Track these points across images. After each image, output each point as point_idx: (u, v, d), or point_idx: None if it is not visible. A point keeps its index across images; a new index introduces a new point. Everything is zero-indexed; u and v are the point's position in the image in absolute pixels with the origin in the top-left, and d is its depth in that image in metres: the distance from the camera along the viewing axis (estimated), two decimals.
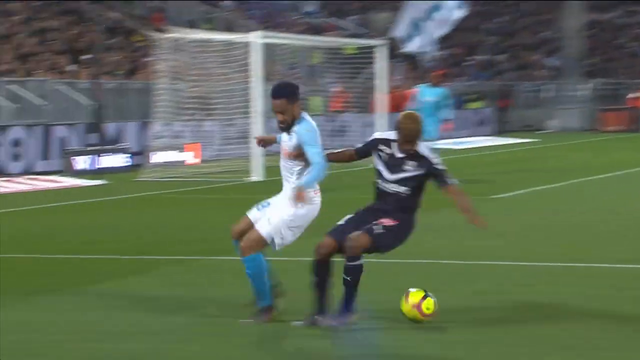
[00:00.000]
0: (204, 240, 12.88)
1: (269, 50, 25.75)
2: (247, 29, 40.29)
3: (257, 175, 21.76)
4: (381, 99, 28.85)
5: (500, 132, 42.12)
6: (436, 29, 34.25)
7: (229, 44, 24.43)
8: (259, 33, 22.99)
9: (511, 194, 18.54)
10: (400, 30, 34.96)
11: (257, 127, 22.32)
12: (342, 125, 33.39)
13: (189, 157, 25.88)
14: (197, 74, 25.75)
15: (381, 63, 27.40)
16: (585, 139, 38.05)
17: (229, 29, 37.13)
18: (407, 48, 33.66)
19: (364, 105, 33.05)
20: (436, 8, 34.76)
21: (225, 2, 44.55)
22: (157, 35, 24.12)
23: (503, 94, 45.33)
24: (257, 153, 21.81)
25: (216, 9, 42.76)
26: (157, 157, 24.36)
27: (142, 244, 12.88)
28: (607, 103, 44.44)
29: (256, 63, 22.35)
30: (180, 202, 18.72)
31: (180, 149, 25.46)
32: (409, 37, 34.64)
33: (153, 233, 14.02)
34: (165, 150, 24.64)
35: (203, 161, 25.94)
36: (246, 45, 25.07)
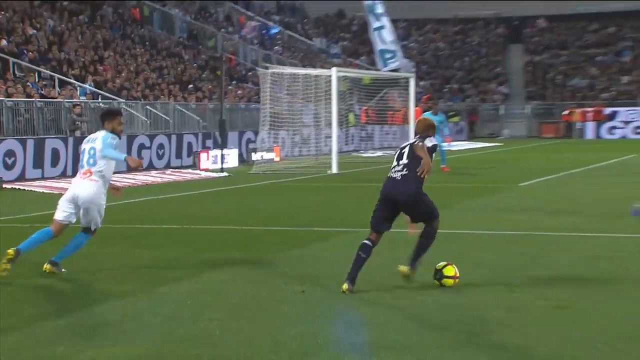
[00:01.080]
0: (350, 217, 12.23)
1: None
2: (294, 66, 39.91)
3: (334, 169, 21.48)
4: (401, 114, 28.68)
5: (471, 138, 41.96)
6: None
7: (310, 77, 24.10)
8: (334, 69, 22.59)
9: (527, 183, 18.10)
10: (380, 64, 34.09)
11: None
12: (369, 134, 33.22)
13: (274, 156, 25.65)
14: (285, 98, 25.46)
15: (409, 88, 26.94)
16: (532, 143, 37.83)
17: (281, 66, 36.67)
18: (395, 67, 32.29)
19: (383, 120, 32.99)
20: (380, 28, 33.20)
21: (276, 47, 44.22)
22: (262, 70, 23.75)
23: (471, 112, 45.19)
24: (334, 153, 21.54)
25: (270, 52, 42.35)
26: (256, 156, 24.08)
27: (312, 219, 12.26)
28: (543, 118, 44.36)
29: (334, 89, 21.99)
30: (293, 188, 18.20)
31: (271, 150, 25.21)
32: (390, 60, 33.18)
33: (311, 211, 13.36)
34: (263, 151, 24.38)
35: (282, 159, 25.69)
36: (317, 77, 24.80)
